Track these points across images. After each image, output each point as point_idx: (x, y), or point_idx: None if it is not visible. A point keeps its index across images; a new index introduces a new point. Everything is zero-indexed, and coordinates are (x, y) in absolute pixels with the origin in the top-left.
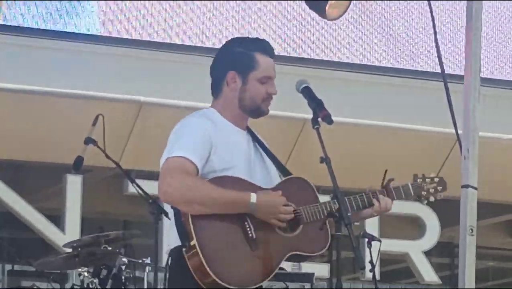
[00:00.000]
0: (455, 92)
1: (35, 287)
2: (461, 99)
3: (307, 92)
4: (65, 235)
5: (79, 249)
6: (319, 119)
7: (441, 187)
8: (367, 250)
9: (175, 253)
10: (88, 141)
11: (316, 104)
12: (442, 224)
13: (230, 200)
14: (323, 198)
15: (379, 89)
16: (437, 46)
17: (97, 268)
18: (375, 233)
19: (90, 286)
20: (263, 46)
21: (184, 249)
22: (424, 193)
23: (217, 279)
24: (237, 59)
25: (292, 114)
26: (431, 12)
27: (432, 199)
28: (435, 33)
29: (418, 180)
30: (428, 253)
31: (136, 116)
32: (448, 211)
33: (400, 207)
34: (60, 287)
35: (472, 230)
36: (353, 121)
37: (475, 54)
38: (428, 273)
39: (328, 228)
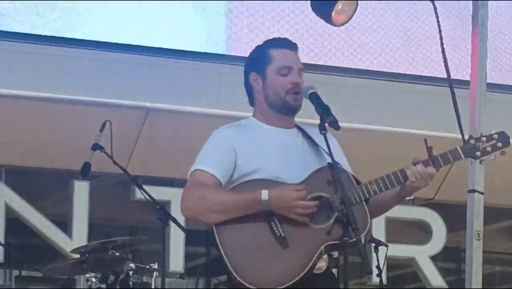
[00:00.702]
0: (462, 97)
1: None
2: (467, 104)
3: (314, 98)
4: (73, 241)
5: (87, 254)
6: (326, 125)
7: (501, 143)
8: (374, 255)
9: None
10: (96, 147)
11: (323, 110)
12: (448, 228)
13: (241, 202)
14: None
15: (385, 95)
16: (443, 52)
17: (105, 273)
18: (382, 238)
19: None
20: (276, 42)
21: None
22: (478, 153)
23: (247, 284)
24: (253, 59)
25: (300, 120)
26: (437, 16)
27: (492, 157)
28: (441, 38)
29: (471, 140)
30: (434, 258)
31: (143, 122)
32: (454, 216)
33: (407, 212)
34: None
35: (478, 234)
36: (360, 127)
37: (481, 60)
38: (434, 278)
39: (366, 211)
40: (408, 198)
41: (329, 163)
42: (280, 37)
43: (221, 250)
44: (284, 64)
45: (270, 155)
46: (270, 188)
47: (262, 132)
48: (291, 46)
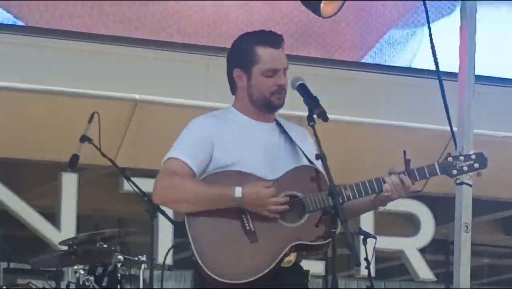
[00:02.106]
0: (450, 90)
1: (31, 285)
2: (456, 97)
3: (303, 89)
4: (61, 233)
5: (75, 246)
6: (315, 116)
7: (478, 164)
8: (362, 247)
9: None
10: (84, 139)
11: (312, 101)
12: (437, 221)
13: (214, 196)
14: None
15: (374, 87)
16: (432, 44)
17: (93, 265)
18: (370, 230)
19: (86, 284)
20: (265, 38)
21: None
22: (455, 172)
23: (213, 275)
24: (239, 55)
25: (287, 112)
26: (426, 11)
27: (468, 177)
28: (429, 29)
29: (449, 158)
30: (423, 250)
31: (131, 114)
32: (443, 208)
33: (395, 204)
34: (56, 285)
35: (467, 227)
36: (348, 119)
37: (469, 52)
38: (423, 270)
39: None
40: (381, 207)
41: (304, 166)
42: (267, 32)
43: (191, 241)
44: (270, 66)
45: (249, 150)
46: (241, 182)
47: (242, 124)
48: (277, 43)
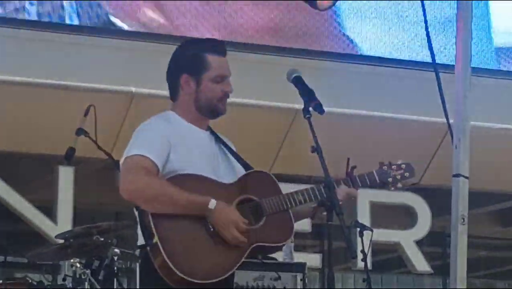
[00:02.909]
0: (447, 82)
1: (28, 279)
2: (453, 89)
3: (298, 82)
4: (57, 226)
5: (71, 240)
6: (311, 109)
7: (408, 173)
8: (358, 239)
9: (143, 253)
10: (80, 132)
11: (307, 94)
12: (433, 213)
13: (188, 203)
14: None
15: (370, 79)
16: (428, 36)
17: (89, 259)
18: (367, 223)
19: (82, 277)
20: (214, 46)
21: (148, 248)
22: (390, 179)
23: (181, 274)
24: (189, 62)
25: (284, 105)
26: (423, 4)
27: (399, 185)
28: (426, 22)
29: (384, 167)
30: (419, 243)
31: (128, 107)
32: (439, 201)
33: (392, 196)
34: (53, 278)
35: (463, 219)
36: (345, 111)
37: (465, 44)
38: (420, 263)
39: (292, 218)
40: (322, 213)
41: (256, 171)
42: (214, 40)
43: (158, 240)
44: (220, 73)
45: (196, 155)
46: (209, 189)
47: (186, 129)
48: (224, 51)
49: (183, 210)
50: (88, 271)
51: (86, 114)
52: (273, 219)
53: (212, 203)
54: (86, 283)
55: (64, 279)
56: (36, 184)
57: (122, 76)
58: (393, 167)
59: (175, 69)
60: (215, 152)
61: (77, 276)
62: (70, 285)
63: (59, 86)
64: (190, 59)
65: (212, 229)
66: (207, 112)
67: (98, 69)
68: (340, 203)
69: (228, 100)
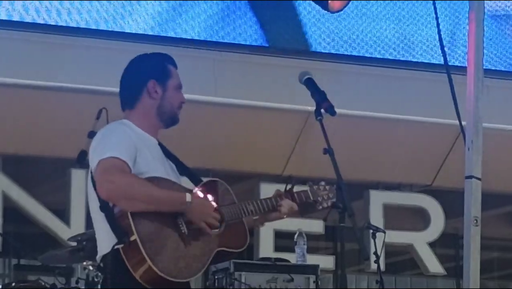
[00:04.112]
0: (459, 84)
1: (40, 282)
2: (465, 91)
3: (310, 84)
4: (70, 229)
5: (84, 242)
6: (322, 110)
7: (332, 194)
8: (371, 241)
9: (110, 257)
10: (92, 135)
11: (319, 96)
12: (446, 215)
13: (169, 199)
14: None
15: (383, 81)
16: (440, 38)
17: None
18: (380, 225)
19: (95, 280)
20: (171, 59)
21: (121, 247)
22: (319, 198)
23: (158, 272)
24: (154, 69)
25: (296, 107)
26: (435, 7)
27: (325, 205)
28: (438, 25)
29: (314, 186)
30: (433, 245)
31: None
32: (452, 202)
33: (405, 198)
34: (66, 281)
35: (476, 220)
36: (357, 113)
37: (477, 46)
38: (433, 264)
39: (246, 226)
40: (260, 226)
41: (212, 180)
42: (168, 55)
43: (138, 239)
44: (179, 82)
45: (154, 161)
46: (180, 190)
47: (144, 137)
48: (176, 66)
49: (161, 207)
50: (100, 274)
51: (98, 117)
52: (231, 226)
53: (189, 197)
54: (99, 286)
55: (77, 282)
56: (49, 187)
57: None
58: (320, 187)
59: (141, 75)
60: (164, 161)
61: (90, 279)
62: (83, 287)
63: (72, 89)
64: (156, 66)
65: (183, 231)
66: (167, 118)
67: (110, 72)
68: (285, 216)
69: (242, 102)
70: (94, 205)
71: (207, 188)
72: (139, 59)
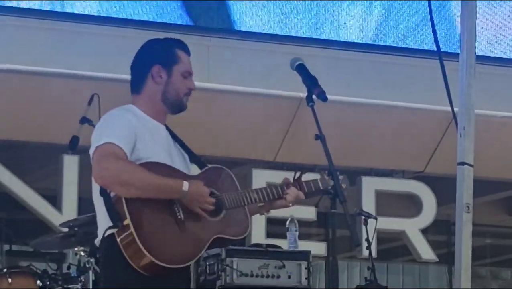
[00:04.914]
0: (451, 70)
1: (32, 267)
2: (457, 77)
3: (302, 70)
4: (62, 215)
5: (76, 228)
6: (314, 96)
7: (344, 184)
8: (363, 227)
9: (105, 240)
10: (84, 120)
11: (310, 81)
12: (439, 201)
13: (164, 185)
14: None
15: (374, 67)
16: (433, 24)
17: (94, 247)
18: (372, 211)
19: (87, 266)
20: (182, 44)
21: (116, 231)
22: (330, 188)
23: (150, 256)
24: (161, 54)
25: (288, 93)
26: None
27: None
28: (430, 11)
29: (326, 176)
30: (425, 231)
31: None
32: (444, 189)
33: (397, 185)
34: (57, 266)
35: (468, 207)
36: (349, 99)
37: (470, 32)
38: (425, 251)
39: (247, 214)
40: (265, 213)
41: (215, 167)
42: (182, 40)
43: (129, 220)
44: (187, 69)
45: (157, 147)
46: (175, 175)
47: (148, 123)
48: (189, 52)
49: (157, 194)
50: (92, 260)
51: (90, 103)
52: (232, 214)
53: (186, 185)
54: (91, 272)
55: (68, 268)
56: (41, 173)
57: (126, 65)
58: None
59: (146, 60)
60: (171, 146)
61: (82, 264)
62: (75, 273)
63: (63, 74)
64: (162, 51)
65: (179, 217)
66: (172, 105)
67: (103, 58)
68: (290, 205)
69: (235, 88)
70: (95, 190)
71: (209, 174)
72: (148, 43)
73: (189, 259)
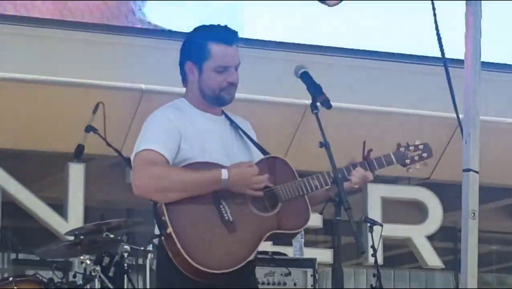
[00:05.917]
0: (456, 77)
1: (38, 276)
2: (462, 84)
3: (306, 77)
4: (68, 223)
5: (81, 237)
6: (318, 104)
7: (426, 154)
8: (369, 234)
9: (159, 250)
10: (89, 129)
11: (315, 89)
12: (444, 208)
13: (201, 180)
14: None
15: (380, 74)
16: (437, 30)
17: (100, 255)
18: (378, 218)
19: (93, 274)
20: (218, 34)
21: (163, 239)
22: (408, 161)
23: (195, 264)
24: (192, 49)
25: (294, 100)
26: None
27: (417, 166)
28: (434, 15)
29: (401, 148)
30: (431, 238)
31: (137, 104)
32: (450, 195)
33: (403, 191)
34: (63, 275)
35: (474, 214)
36: (354, 106)
37: (475, 38)
38: (431, 258)
39: (308, 204)
40: (334, 198)
41: (273, 157)
42: (222, 27)
43: (172, 231)
44: (221, 64)
45: (210, 142)
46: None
47: (198, 117)
48: (231, 40)
49: (196, 190)
50: (98, 268)
51: (94, 111)
52: (289, 205)
53: (224, 173)
54: (96, 280)
55: (74, 276)
56: (47, 181)
57: (132, 73)
58: (410, 148)
59: (182, 55)
60: (228, 135)
61: (88, 273)
62: (81, 282)
63: (69, 83)
64: (194, 46)
65: (227, 218)
66: (211, 99)
67: (108, 66)
68: (357, 186)
69: (239, 96)
70: None
71: (265, 165)
72: (187, 36)
73: (240, 261)
